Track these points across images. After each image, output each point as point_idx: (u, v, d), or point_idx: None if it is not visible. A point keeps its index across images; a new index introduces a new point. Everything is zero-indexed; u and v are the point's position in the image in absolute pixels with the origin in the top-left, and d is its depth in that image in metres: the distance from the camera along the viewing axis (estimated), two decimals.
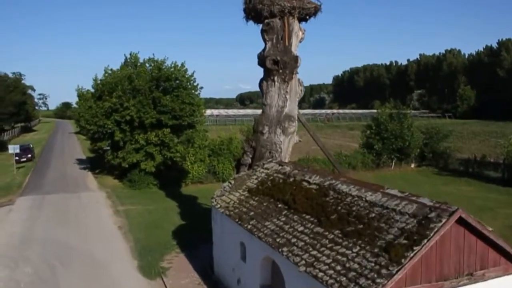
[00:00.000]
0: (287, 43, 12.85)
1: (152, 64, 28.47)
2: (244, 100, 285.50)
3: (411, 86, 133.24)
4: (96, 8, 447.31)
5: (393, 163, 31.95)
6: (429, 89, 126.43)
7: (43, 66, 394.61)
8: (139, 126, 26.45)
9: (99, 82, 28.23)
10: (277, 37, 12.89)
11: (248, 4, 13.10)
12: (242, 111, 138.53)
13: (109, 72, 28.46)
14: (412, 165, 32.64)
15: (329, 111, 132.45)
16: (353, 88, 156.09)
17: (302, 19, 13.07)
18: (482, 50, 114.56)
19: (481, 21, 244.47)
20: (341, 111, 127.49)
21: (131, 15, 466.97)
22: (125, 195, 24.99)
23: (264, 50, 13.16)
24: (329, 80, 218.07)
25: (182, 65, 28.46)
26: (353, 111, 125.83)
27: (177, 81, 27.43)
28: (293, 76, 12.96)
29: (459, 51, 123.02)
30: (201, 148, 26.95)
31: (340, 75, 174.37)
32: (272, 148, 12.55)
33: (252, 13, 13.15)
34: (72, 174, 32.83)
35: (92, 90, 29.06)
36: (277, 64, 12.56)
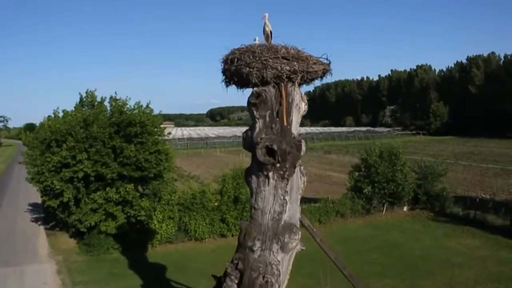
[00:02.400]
0: (285, 122, 9.06)
1: (113, 104, 24.56)
2: (215, 115, 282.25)
3: (383, 101, 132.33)
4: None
5: (385, 208, 28.79)
6: (401, 105, 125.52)
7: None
8: (96, 179, 22.49)
9: (47, 127, 23.91)
10: (271, 113, 9.07)
11: (229, 66, 9.17)
12: (215, 130, 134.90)
13: (60, 115, 24.35)
14: (405, 209, 29.57)
15: (302, 130, 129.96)
16: (325, 104, 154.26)
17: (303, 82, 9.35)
18: (453, 66, 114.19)
19: (451, 37, 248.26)
20: (314, 128, 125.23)
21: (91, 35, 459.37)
22: (80, 268, 20.84)
23: (252, 130, 9.34)
24: None
25: (147, 106, 24.76)
26: (326, 129, 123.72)
27: (142, 126, 23.58)
28: (295, 170, 9.14)
29: (430, 67, 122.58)
30: (169, 204, 23.13)
31: (311, 90, 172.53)
32: (266, 272, 8.73)
33: (235, 78, 9.29)
34: (23, 228, 28.32)
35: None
36: (272, 154, 8.72)
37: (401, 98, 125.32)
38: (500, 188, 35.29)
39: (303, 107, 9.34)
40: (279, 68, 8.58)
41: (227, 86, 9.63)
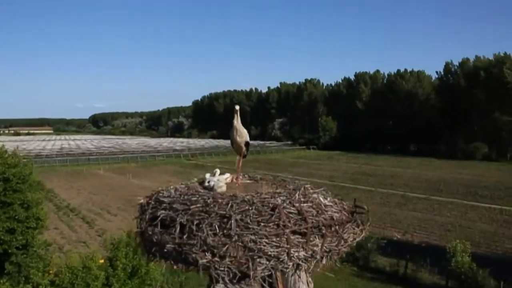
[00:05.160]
0: None
1: None
2: (97, 121, 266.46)
3: (273, 114, 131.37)
4: None
5: None
6: (290, 118, 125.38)
7: None
8: None
9: None
10: None
11: (151, 231, 5.21)
12: (99, 141, 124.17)
13: None
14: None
15: (191, 141, 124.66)
16: (213, 114, 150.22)
17: None
18: (340, 81, 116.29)
19: (339, 53, 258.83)
20: (203, 141, 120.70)
21: None
22: None
23: None
24: (187, 103, 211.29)
25: (14, 153, 18.17)
26: (215, 141, 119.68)
27: (5, 181, 16.97)
28: None
29: (319, 81, 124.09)
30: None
31: (200, 99, 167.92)
32: None
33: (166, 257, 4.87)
34: None
35: None
36: None
37: (290, 111, 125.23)
38: (411, 226, 33.20)
39: None
40: (284, 259, 4.51)
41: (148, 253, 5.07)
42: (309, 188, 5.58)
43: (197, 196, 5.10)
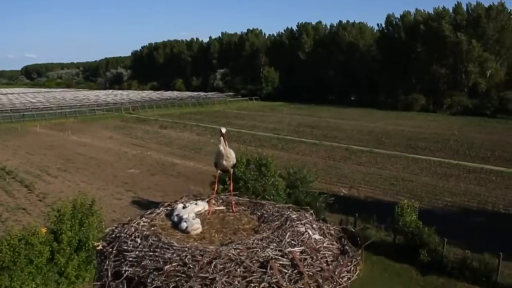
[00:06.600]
0: None
1: None
2: (31, 73, 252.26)
3: (214, 64, 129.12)
4: None
5: None
6: (232, 69, 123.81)
7: None
8: None
9: None
10: None
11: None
12: (34, 96, 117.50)
13: None
14: None
15: (131, 93, 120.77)
16: (153, 65, 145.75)
17: None
18: (283, 32, 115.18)
19: (281, 2, 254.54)
20: (144, 94, 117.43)
21: None
22: None
23: None
24: (126, 53, 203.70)
25: None
26: (157, 94, 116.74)
27: None
28: None
29: (261, 32, 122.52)
30: None
31: (139, 50, 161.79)
32: None
33: None
34: None
35: None
36: None
37: (232, 61, 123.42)
38: (357, 180, 33.83)
39: None
40: None
41: None
42: (295, 218, 5.07)
43: (171, 251, 4.32)
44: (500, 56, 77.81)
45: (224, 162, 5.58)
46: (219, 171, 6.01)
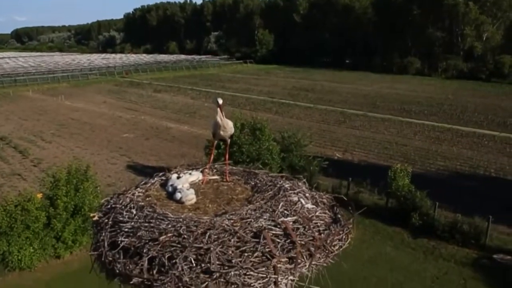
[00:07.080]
0: None
1: None
2: (21, 36, 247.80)
3: (208, 27, 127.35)
4: None
5: None
6: (226, 31, 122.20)
7: None
8: None
9: None
10: None
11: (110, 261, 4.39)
12: (25, 60, 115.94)
13: None
14: None
15: (124, 56, 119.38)
16: (146, 27, 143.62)
17: None
18: None
19: None
20: (137, 57, 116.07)
21: None
22: None
23: None
24: (118, 15, 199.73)
25: None
26: (151, 57, 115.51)
27: None
28: None
29: None
30: None
31: (131, 12, 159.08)
32: None
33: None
34: None
35: None
36: None
37: (226, 24, 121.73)
38: (351, 144, 34.02)
39: None
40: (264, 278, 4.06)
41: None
42: (288, 188, 5.12)
43: (166, 222, 4.39)
44: (497, 19, 76.90)
45: (222, 133, 5.57)
46: (216, 141, 6.04)
